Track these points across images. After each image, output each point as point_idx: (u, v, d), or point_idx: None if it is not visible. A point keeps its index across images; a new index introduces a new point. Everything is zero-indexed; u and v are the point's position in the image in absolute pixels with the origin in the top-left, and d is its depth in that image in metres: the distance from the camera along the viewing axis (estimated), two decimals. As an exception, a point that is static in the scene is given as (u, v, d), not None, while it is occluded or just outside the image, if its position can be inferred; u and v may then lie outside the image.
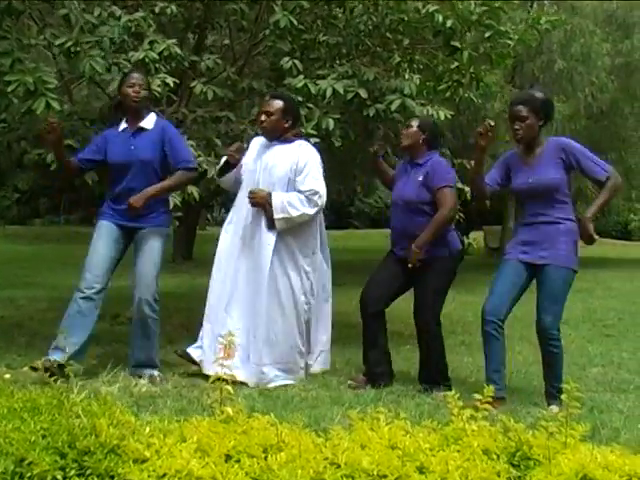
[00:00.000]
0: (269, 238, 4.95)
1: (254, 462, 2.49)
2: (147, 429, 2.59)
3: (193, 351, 5.10)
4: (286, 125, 5.06)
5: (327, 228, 5.37)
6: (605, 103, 15.73)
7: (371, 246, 23.07)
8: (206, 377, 4.92)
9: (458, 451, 2.65)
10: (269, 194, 4.92)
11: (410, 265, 4.84)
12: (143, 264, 4.88)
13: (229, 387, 2.79)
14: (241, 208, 5.13)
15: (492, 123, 4.51)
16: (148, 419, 2.80)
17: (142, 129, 4.92)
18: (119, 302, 6.55)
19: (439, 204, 4.89)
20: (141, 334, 4.91)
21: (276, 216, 4.90)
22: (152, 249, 4.88)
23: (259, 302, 4.94)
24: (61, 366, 4.24)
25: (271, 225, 4.94)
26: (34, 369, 4.56)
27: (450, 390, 4.79)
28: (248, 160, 5.17)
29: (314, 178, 4.98)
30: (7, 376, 4.50)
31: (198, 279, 11.41)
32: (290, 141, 5.08)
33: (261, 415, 2.94)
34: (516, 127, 4.57)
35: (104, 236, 4.93)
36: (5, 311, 7.82)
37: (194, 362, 5.07)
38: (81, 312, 4.80)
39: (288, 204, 4.91)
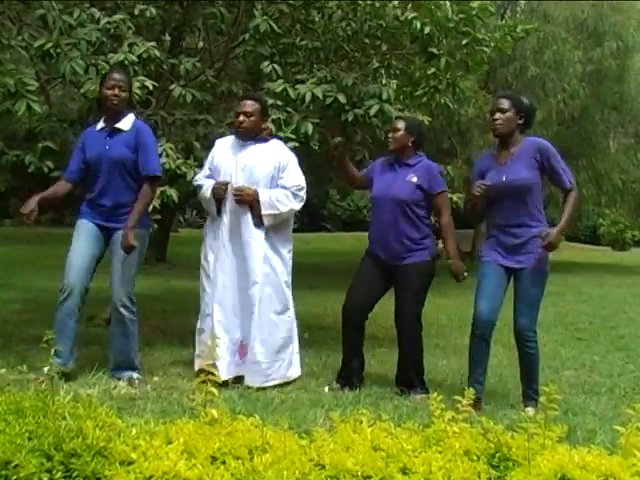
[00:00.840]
0: (258, 235, 5.02)
1: (240, 463, 2.51)
2: (133, 431, 2.61)
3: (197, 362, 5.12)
4: (262, 125, 5.16)
5: (300, 231, 5.42)
6: (576, 109, 15.92)
7: (344, 249, 23.19)
8: (184, 379, 4.97)
9: (440, 452, 2.70)
10: (255, 191, 4.98)
11: (461, 279, 4.97)
12: (117, 267, 4.87)
13: (214, 389, 2.80)
14: (224, 209, 5.14)
15: None
16: (133, 421, 2.82)
17: (118, 130, 4.91)
18: (95, 304, 6.51)
19: (439, 208, 5.01)
20: (119, 335, 4.90)
21: (264, 212, 4.98)
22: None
23: (252, 301, 4.99)
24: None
25: (259, 222, 5.01)
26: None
27: (427, 393, 4.89)
28: (221, 161, 5.19)
29: (298, 174, 5.11)
30: (-15, 379, 4.51)
31: (172, 281, 11.39)
32: (265, 140, 5.17)
33: (244, 417, 2.98)
34: (495, 117, 4.66)
35: (83, 235, 4.92)
36: (-21, 313, 7.73)
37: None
38: (65, 314, 4.81)
39: (276, 200, 5.00)
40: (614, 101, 16.58)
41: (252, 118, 5.07)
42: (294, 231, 5.46)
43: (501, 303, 4.67)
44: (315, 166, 7.77)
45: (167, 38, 6.93)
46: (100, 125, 4.98)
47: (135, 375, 4.89)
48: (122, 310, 4.84)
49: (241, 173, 5.09)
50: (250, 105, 5.11)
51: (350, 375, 5.06)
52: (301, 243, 18.90)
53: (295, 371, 5.22)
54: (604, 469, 2.56)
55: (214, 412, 2.79)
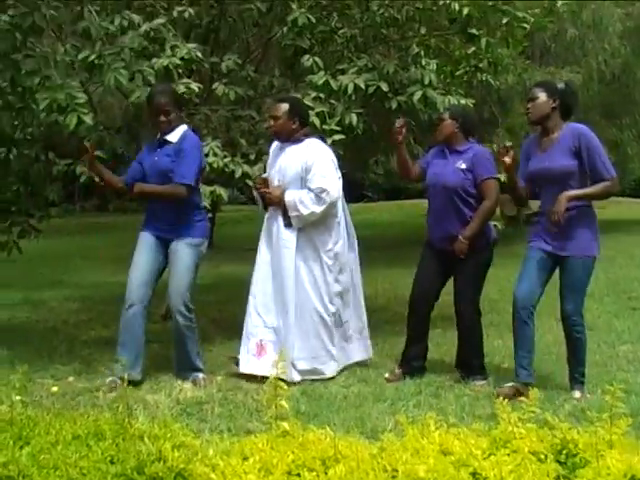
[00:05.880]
0: (289, 237, 5.09)
1: (314, 476, 2.59)
2: (210, 450, 2.69)
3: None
4: (294, 126, 5.18)
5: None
6: (617, 68, 15.62)
7: (388, 219, 23.11)
8: (247, 377, 5.06)
9: (508, 455, 2.74)
10: (283, 192, 5.08)
11: (461, 256, 4.94)
12: (174, 276, 4.99)
13: (284, 403, 2.88)
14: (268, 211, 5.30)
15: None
16: (208, 437, 2.91)
17: (167, 141, 5.03)
18: (153, 299, 6.62)
19: (484, 195, 4.99)
20: (179, 341, 5.05)
21: (290, 214, 5.07)
22: (182, 260, 4.98)
23: (286, 299, 5.07)
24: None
25: (288, 223, 5.08)
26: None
27: (486, 379, 4.93)
28: (269, 163, 5.38)
29: (322, 176, 5.08)
30: (55, 389, 4.66)
31: (222, 267, 11.55)
32: (300, 141, 5.20)
33: (308, 418, 3.06)
34: (528, 106, 4.68)
35: (143, 248, 5.06)
36: (39, 314, 7.94)
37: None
38: (130, 325, 4.94)
39: (299, 202, 5.05)
40: (656, 55, 16.24)
41: (279, 121, 5.15)
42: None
43: (542, 289, 4.67)
44: (359, 151, 7.76)
45: (206, 36, 6.95)
46: (158, 136, 5.12)
47: (200, 375, 5.02)
48: (178, 317, 4.95)
49: (278, 174, 5.20)
50: (277, 108, 5.19)
51: (412, 362, 5.14)
52: None
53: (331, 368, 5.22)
54: (673, 467, 2.58)
55: (286, 425, 2.87)
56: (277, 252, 5.13)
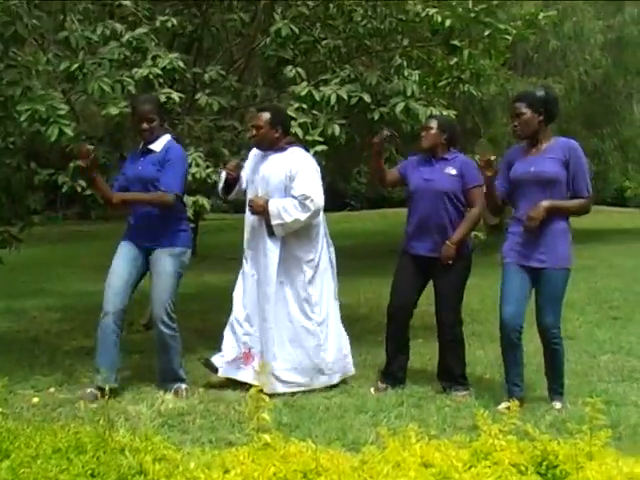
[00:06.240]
0: (272, 246, 5.08)
1: (296, 489, 2.59)
2: (191, 464, 2.68)
3: (216, 359, 5.22)
4: (276, 135, 5.17)
5: (325, 210, 5.37)
6: (598, 79, 15.78)
7: (371, 228, 23.18)
8: (228, 388, 5.05)
9: (489, 467, 2.75)
10: (266, 201, 5.06)
11: (449, 262, 4.95)
12: (156, 286, 4.98)
13: (266, 416, 2.87)
14: (247, 218, 5.27)
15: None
16: (189, 450, 2.90)
17: (150, 150, 5.01)
18: (134, 308, 6.58)
19: (472, 202, 5.05)
20: (162, 351, 5.03)
21: (273, 222, 5.03)
22: (165, 270, 4.97)
23: (268, 310, 5.06)
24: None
25: (270, 232, 5.07)
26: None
27: (468, 390, 4.95)
28: (248, 171, 5.32)
29: (306, 184, 5.06)
30: (35, 400, 4.64)
31: (205, 276, 11.51)
32: (283, 149, 5.20)
33: (290, 429, 3.05)
34: (515, 124, 4.69)
35: (121, 257, 5.04)
36: (20, 324, 7.89)
37: (216, 370, 5.17)
38: (106, 334, 4.91)
39: (283, 210, 5.01)
40: (636, 67, 16.39)
41: (262, 130, 5.15)
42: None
43: (526, 305, 4.66)
44: (342, 161, 7.79)
45: (189, 45, 6.96)
46: (140, 146, 5.10)
47: (183, 386, 5.01)
48: (161, 327, 4.94)
49: (261, 183, 5.18)
50: (259, 117, 5.19)
51: (395, 373, 5.15)
52: (328, 224, 18.95)
53: (333, 378, 5.20)
54: (652, 479, 2.61)
55: (267, 437, 2.86)
56: (263, 263, 5.12)
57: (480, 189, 5.03)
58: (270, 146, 5.18)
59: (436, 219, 5.01)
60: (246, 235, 5.30)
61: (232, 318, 5.27)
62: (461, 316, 5.14)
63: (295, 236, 5.11)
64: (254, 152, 5.35)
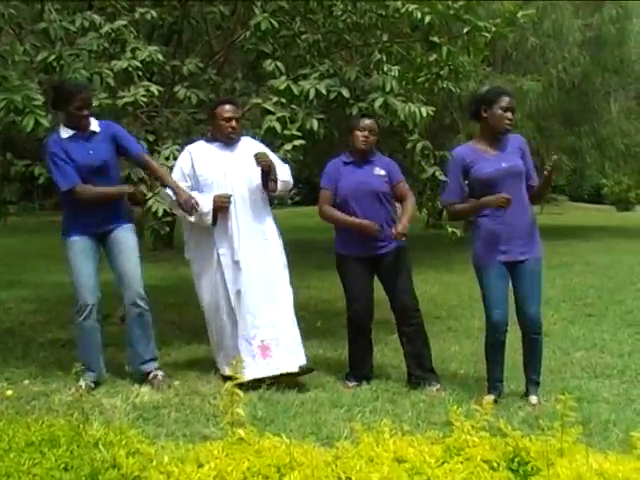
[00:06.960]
0: (269, 227, 5.23)
1: (269, 484, 2.60)
2: (165, 458, 2.68)
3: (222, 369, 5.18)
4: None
5: (301, 204, 5.53)
6: (577, 77, 15.88)
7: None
8: (204, 382, 5.05)
9: (462, 463, 2.78)
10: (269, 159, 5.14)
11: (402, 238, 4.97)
12: (128, 261, 5.00)
13: (240, 411, 2.88)
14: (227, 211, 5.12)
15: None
16: (163, 444, 2.90)
17: (94, 132, 4.96)
18: (109, 301, 6.52)
19: (404, 195, 5.22)
20: (141, 331, 5.04)
21: (282, 178, 5.19)
22: (132, 245, 5.04)
23: (278, 291, 5.15)
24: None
25: (273, 187, 5.14)
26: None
27: (438, 383, 4.97)
28: (208, 171, 5.17)
29: (279, 160, 5.29)
30: (9, 392, 4.61)
31: (181, 268, 11.41)
32: (239, 140, 5.31)
33: (265, 424, 3.06)
34: (510, 117, 4.71)
35: (84, 253, 4.96)
36: (-6, 315, 7.83)
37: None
38: (93, 331, 4.96)
39: (285, 169, 5.27)
40: (615, 65, 16.52)
41: (240, 122, 5.26)
42: (295, 204, 5.63)
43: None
44: (318, 154, 7.76)
45: (168, 37, 6.93)
46: (68, 133, 4.90)
47: (160, 373, 5.03)
48: (140, 302, 4.99)
49: (235, 173, 5.16)
50: (236, 110, 5.26)
51: (366, 373, 5.18)
52: (305, 218, 17.46)
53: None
54: (621, 475, 2.64)
55: (241, 432, 2.87)
56: (266, 244, 5.17)
57: (405, 182, 5.26)
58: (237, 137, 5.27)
59: (376, 220, 5.03)
60: (235, 244, 5.08)
61: (224, 324, 5.18)
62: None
63: (271, 215, 5.29)
64: (201, 149, 5.26)
